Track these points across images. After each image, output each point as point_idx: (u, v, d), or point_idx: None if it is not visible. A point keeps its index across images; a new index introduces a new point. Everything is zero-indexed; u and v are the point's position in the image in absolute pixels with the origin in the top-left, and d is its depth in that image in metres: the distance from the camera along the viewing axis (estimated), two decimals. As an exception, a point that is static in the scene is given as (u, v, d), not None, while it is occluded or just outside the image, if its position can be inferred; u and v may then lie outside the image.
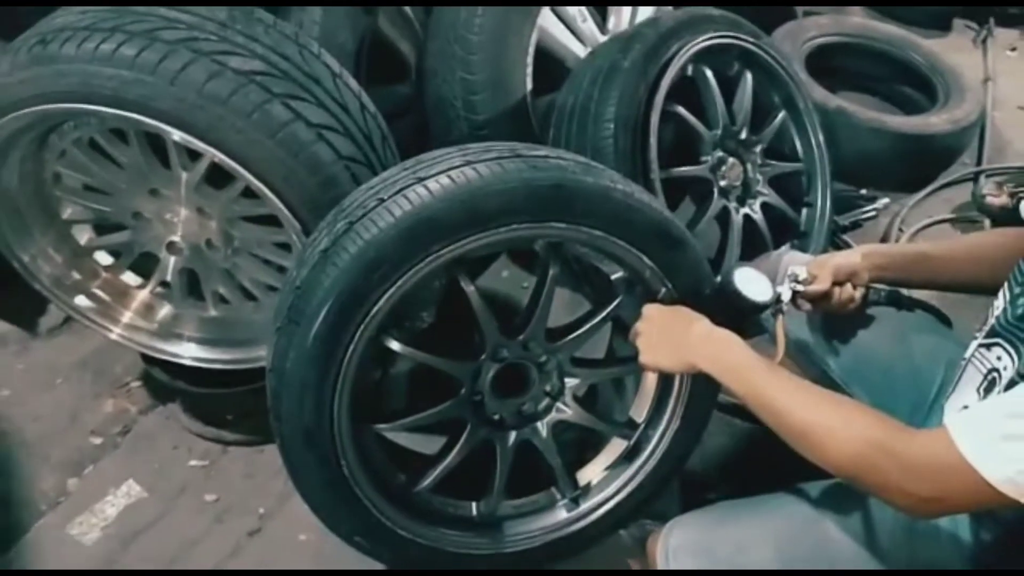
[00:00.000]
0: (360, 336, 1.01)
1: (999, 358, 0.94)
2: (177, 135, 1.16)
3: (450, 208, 0.99)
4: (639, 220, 1.11)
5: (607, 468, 1.31)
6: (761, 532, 1.09)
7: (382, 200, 1.01)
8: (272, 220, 1.28)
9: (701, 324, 1.06)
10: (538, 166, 1.05)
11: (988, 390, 0.95)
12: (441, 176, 1.01)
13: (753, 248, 1.61)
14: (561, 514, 1.29)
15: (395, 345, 1.08)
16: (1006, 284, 1.01)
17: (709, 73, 1.58)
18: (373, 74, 1.65)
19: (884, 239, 2.15)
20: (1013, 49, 3.11)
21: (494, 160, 1.04)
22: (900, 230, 2.18)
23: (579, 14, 1.75)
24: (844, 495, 1.10)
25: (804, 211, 1.77)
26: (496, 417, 1.21)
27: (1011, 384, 0.88)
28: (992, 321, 0.98)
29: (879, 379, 1.26)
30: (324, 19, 1.52)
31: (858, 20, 2.58)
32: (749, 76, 1.65)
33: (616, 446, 1.32)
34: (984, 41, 3.09)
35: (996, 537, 0.96)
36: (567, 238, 1.09)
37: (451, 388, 1.16)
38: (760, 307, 1.16)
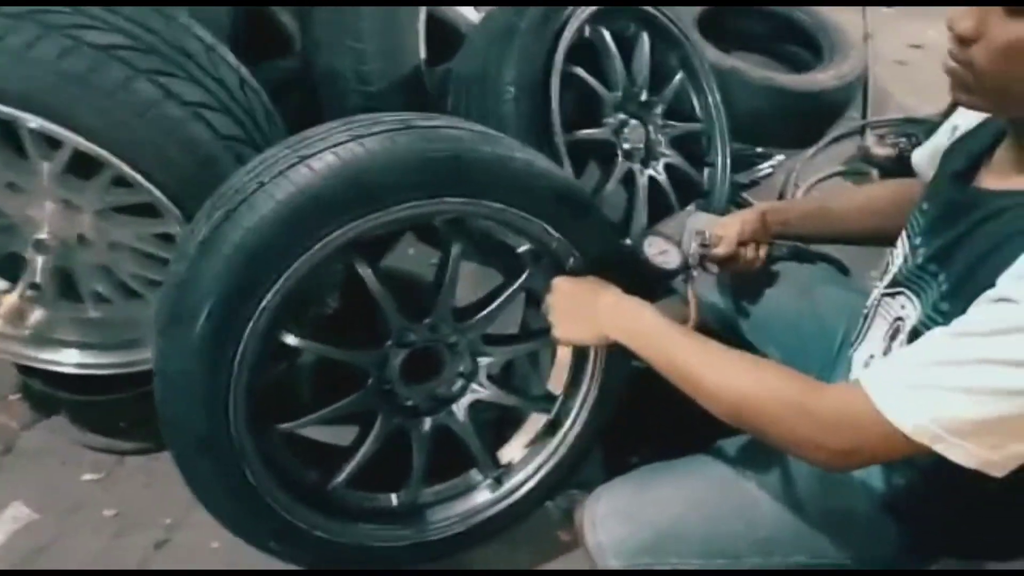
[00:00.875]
0: (250, 333, 0.94)
1: (903, 307, 0.96)
2: (32, 121, 1.04)
3: (336, 188, 0.93)
4: (541, 189, 1.08)
5: (528, 444, 1.29)
6: (684, 493, 1.10)
7: (262, 184, 0.94)
8: (150, 210, 1.17)
9: (609, 293, 1.05)
10: (431, 137, 1.00)
11: (893, 338, 0.98)
12: (325, 153, 0.94)
13: (659, 210, 1.61)
14: (485, 495, 1.27)
15: (291, 339, 1.01)
16: (904, 234, 1.03)
17: (607, 34, 1.56)
18: (253, 48, 1.53)
19: (781, 195, 2.21)
20: (889, 4, 3.24)
21: (383, 134, 0.98)
22: (796, 185, 2.24)
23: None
24: (760, 450, 1.12)
25: (706, 171, 1.79)
26: (409, 404, 1.17)
27: (914, 333, 0.90)
28: (894, 270, 1.01)
29: (789, 336, 1.29)
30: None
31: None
32: (646, 37, 1.64)
33: (536, 421, 1.30)
34: (862, -2, 3.22)
35: (909, 482, 0.99)
36: (467, 213, 1.05)
37: (359, 378, 1.10)
38: (670, 274, 1.17)
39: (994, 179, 0.87)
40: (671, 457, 1.16)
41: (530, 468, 1.27)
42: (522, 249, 1.15)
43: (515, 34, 1.41)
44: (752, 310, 1.33)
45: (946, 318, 0.82)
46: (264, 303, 0.93)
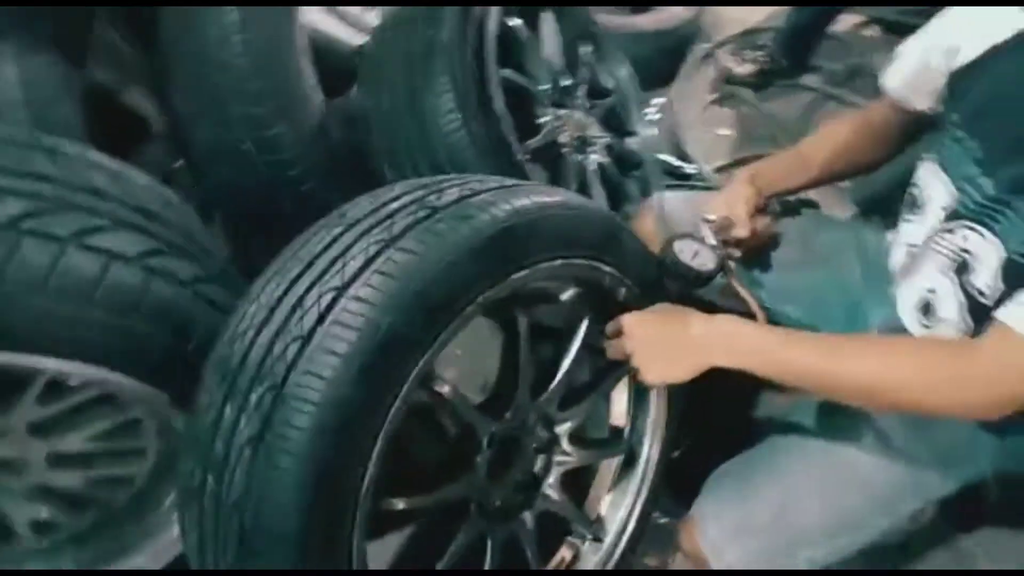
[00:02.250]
0: (356, 527, 0.75)
1: (966, 238, 0.97)
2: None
3: (407, 313, 0.74)
4: (587, 229, 0.95)
5: (611, 488, 1.18)
6: (786, 486, 1.09)
7: (304, 338, 0.73)
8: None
9: (695, 319, 0.97)
10: (470, 216, 0.82)
11: (961, 271, 0.98)
12: (369, 275, 0.75)
13: (613, 194, 1.53)
14: (590, 559, 1.15)
15: (400, 504, 0.82)
16: (934, 167, 1.02)
17: (520, 23, 1.41)
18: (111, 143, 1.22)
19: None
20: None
21: (415, 226, 0.80)
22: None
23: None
24: (835, 415, 1.11)
25: (632, 140, 1.72)
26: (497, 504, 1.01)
27: (1011, 264, 0.90)
28: (950, 202, 1.00)
29: (807, 292, 1.27)
30: (25, 87, 1.05)
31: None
32: (550, 16, 1.51)
33: (609, 462, 1.19)
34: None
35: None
36: (528, 280, 0.89)
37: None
38: (712, 274, 1.11)
39: None
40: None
41: (623, 511, 1.17)
42: (567, 295, 1.02)
43: (439, 50, 1.23)
44: (764, 278, 1.30)
45: None
46: (365, 481, 0.74)
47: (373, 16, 1.54)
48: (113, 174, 0.88)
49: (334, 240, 0.81)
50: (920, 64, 1.09)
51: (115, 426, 0.94)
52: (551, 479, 1.07)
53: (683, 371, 0.96)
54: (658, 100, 2.26)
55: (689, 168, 2.02)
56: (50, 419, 0.89)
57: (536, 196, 0.90)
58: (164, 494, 1.02)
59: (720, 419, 1.40)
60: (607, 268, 0.98)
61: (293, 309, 0.76)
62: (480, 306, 0.82)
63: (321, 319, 0.74)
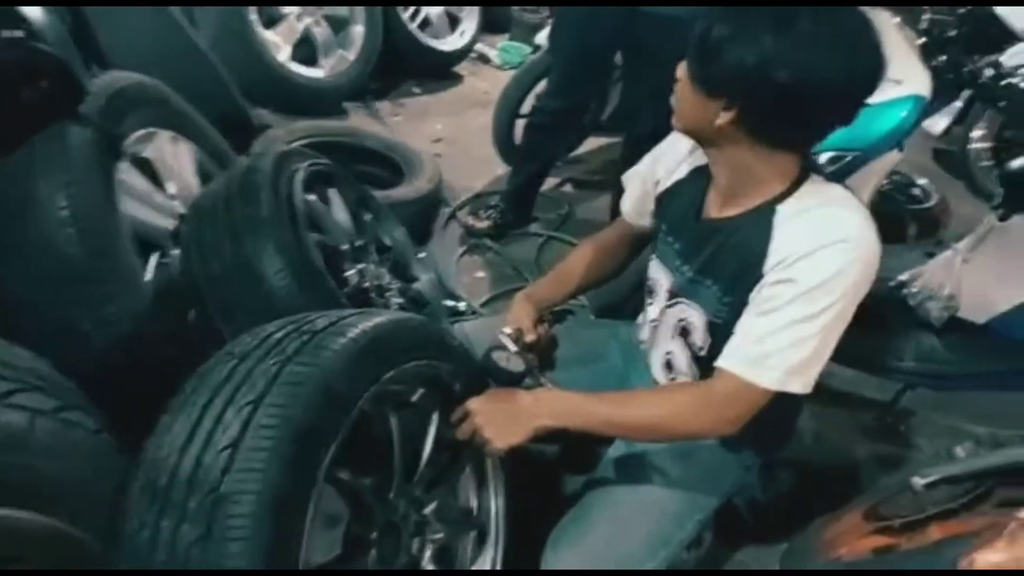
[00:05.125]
0: None
1: (682, 311, 1.34)
2: None
3: (314, 411, 0.93)
4: (427, 336, 1.22)
5: (471, 562, 1.37)
6: (614, 523, 1.32)
7: (232, 445, 0.87)
8: None
9: (522, 395, 1.23)
10: (344, 334, 1.03)
11: (684, 335, 1.35)
12: (278, 387, 0.93)
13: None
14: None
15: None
16: (657, 264, 1.40)
17: (314, 197, 1.68)
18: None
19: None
20: (397, 115, 3.91)
21: (303, 347, 1.00)
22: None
23: (148, 188, 1.61)
24: (625, 463, 1.41)
25: (417, 284, 2.03)
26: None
27: (712, 326, 1.27)
28: (666, 289, 1.38)
29: (587, 379, 1.51)
30: None
31: (307, 123, 2.90)
32: (334, 192, 1.81)
33: (464, 542, 1.38)
34: (376, 114, 3.82)
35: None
36: (394, 380, 1.11)
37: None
38: (522, 375, 1.39)
39: (715, 210, 1.26)
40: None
41: (485, 581, 1.36)
42: (417, 396, 1.24)
43: (260, 222, 1.44)
44: (555, 375, 1.54)
45: (731, 307, 1.20)
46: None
47: (177, 204, 1.71)
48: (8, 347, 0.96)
49: (233, 370, 0.97)
50: (641, 192, 1.49)
51: None
52: (427, 555, 1.24)
53: (520, 434, 1.18)
54: (421, 255, 2.63)
55: (461, 306, 2.38)
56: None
57: (383, 316, 1.15)
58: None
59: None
60: (445, 367, 1.24)
61: (215, 425, 0.90)
62: (365, 401, 1.02)
63: (244, 426, 0.89)
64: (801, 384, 1.14)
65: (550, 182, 3.32)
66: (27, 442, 0.84)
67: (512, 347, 1.41)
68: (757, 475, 1.54)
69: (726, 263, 1.22)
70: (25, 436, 0.84)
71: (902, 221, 2.75)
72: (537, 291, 1.59)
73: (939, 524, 1.42)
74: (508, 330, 1.45)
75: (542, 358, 1.52)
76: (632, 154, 1.55)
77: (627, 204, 1.55)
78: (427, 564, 1.24)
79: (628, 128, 2.65)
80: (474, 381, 1.29)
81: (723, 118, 1.10)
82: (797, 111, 1.07)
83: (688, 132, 1.21)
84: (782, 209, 1.16)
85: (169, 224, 1.64)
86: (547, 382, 1.41)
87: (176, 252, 1.60)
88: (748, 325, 1.16)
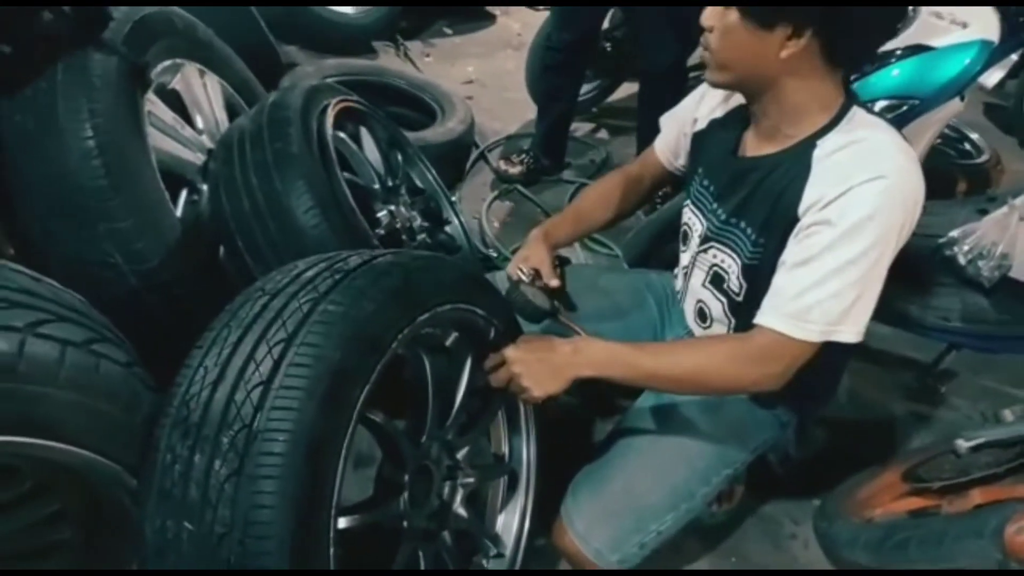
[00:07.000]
0: (332, 540, 0.87)
1: (715, 256, 1.29)
2: None
3: (347, 351, 0.90)
4: (463, 277, 1.18)
5: (501, 508, 1.36)
6: (633, 471, 1.30)
7: (265, 383, 0.85)
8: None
9: (559, 343, 1.18)
10: (378, 273, 1.00)
11: (715, 281, 1.31)
12: (310, 326, 0.90)
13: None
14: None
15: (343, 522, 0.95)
16: (691, 206, 1.36)
17: (344, 135, 1.64)
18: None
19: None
20: (427, 56, 3.82)
21: (335, 286, 0.97)
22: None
23: (175, 122, 1.57)
24: (653, 413, 1.38)
25: (449, 228, 1.99)
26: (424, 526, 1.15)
27: (748, 269, 1.21)
28: (698, 232, 1.33)
29: (616, 323, 1.52)
30: None
31: (336, 61, 2.82)
32: (365, 131, 1.76)
33: (496, 485, 1.37)
34: (405, 54, 3.73)
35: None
36: (429, 323, 1.08)
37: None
38: (547, 312, 1.35)
39: (753, 149, 1.22)
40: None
41: (515, 527, 1.35)
42: (451, 340, 1.22)
43: (290, 158, 1.41)
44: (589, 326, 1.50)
45: (766, 249, 1.15)
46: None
47: (205, 139, 1.67)
48: (14, 270, 0.94)
49: (264, 307, 0.95)
50: (678, 132, 1.44)
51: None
52: (458, 499, 1.23)
53: (559, 384, 1.14)
54: (452, 198, 2.59)
55: (492, 252, 2.34)
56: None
57: (418, 256, 1.11)
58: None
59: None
60: (480, 311, 1.20)
61: (246, 363, 0.88)
62: (400, 343, 1.00)
63: (277, 365, 0.87)
64: (850, 332, 1.09)
65: (584, 128, 3.23)
66: (57, 374, 0.82)
67: (536, 286, 1.37)
68: (793, 432, 1.51)
69: (761, 204, 1.17)
70: (55, 367, 0.82)
71: (952, 176, 2.64)
72: (555, 230, 1.52)
73: (982, 488, 1.40)
74: (525, 268, 1.40)
75: (562, 301, 1.48)
76: (651, 91, 1.47)
77: (661, 142, 1.50)
78: (458, 508, 1.23)
79: (643, 64, 2.53)
80: (509, 327, 1.26)
81: (790, 47, 1.04)
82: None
83: (738, 82, 1.14)
84: (822, 144, 1.10)
85: (198, 159, 1.60)
86: (574, 325, 1.37)
87: (205, 188, 1.57)
88: (786, 279, 1.11)
